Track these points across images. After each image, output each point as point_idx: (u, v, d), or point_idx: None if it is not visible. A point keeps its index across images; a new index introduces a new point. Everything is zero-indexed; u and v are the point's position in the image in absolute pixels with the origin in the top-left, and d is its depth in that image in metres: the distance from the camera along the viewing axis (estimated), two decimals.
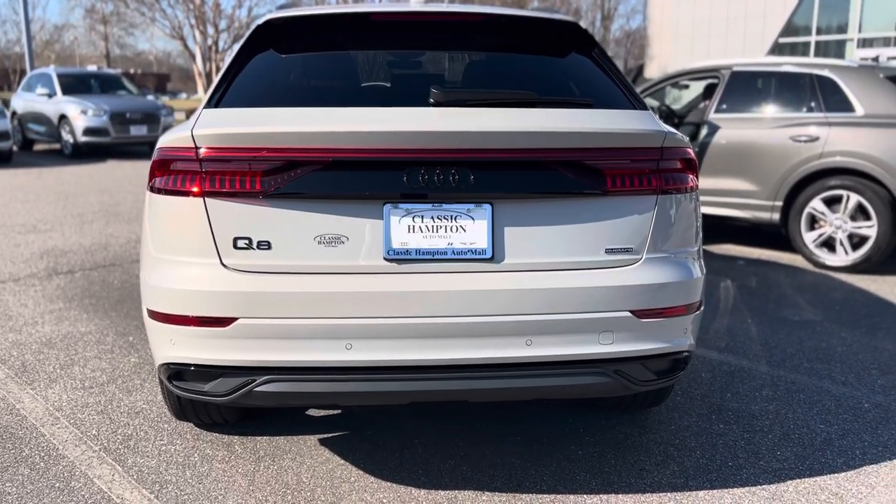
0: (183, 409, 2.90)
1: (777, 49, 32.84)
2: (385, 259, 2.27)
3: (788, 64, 6.52)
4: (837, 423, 3.20)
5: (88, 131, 14.35)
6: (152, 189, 2.41)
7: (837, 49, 32.31)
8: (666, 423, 3.18)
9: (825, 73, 6.15)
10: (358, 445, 2.96)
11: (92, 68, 20.12)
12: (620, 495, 2.62)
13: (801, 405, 3.39)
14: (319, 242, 2.26)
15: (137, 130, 14.79)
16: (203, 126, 2.30)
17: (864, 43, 31.99)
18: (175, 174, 2.32)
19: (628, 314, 2.34)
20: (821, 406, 3.38)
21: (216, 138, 2.27)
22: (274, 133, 2.24)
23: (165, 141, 2.39)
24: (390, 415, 3.21)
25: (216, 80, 2.63)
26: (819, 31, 32.71)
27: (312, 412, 3.25)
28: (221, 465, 2.81)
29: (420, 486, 2.66)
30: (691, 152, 2.52)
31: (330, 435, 3.05)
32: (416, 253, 2.28)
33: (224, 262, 2.28)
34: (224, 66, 2.71)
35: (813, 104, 6.14)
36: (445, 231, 2.28)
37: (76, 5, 66.51)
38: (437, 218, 2.28)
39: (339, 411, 3.26)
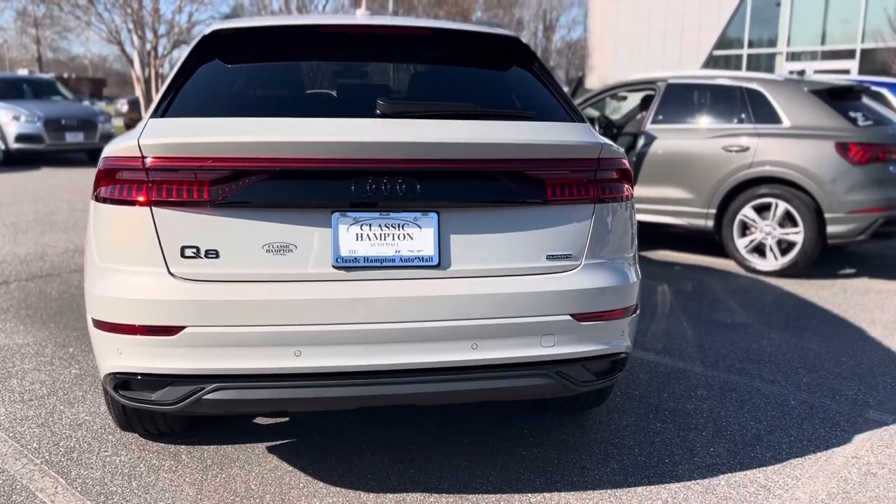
0: (128, 419, 2.88)
1: (712, 61, 33.88)
2: (334, 267, 2.32)
3: (720, 77, 6.79)
4: (766, 420, 3.37)
5: (21, 138, 13.90)
6: (97, 198, 2.40)
7: (768, 62, 33.54)
8: (606, 423, 3.30)
9: (754, 86, 6.43)
10: (306, 452, 2.98)
11: (23, 73, 19.50)
12: (563, 493, 2.72)
13: (733, 403, 3.55)
14: (268, 251, 2.30)
15: (73, 137, 14.41)
16: (149, 136, 2.31)
17: (793, 56, 33.29)
18: (121, 183, 2.32)
19: (569, 318, 2.44)
20: (751, 404, 3.55)
21: (163, 148, 2.28)
22: (221, 143, 2.27)
23: (111, 150, 2.39)
24: (338, 420, 3.25)
25: (162, 89, 2.64)
26: (751, 45, 33.90)
27: (260, 420, 3.26)
28: (168, 475, 2.80)
29: (369, 490, 2.71)
30: (626, 163, 2.64)
31: (278, 442, 3.07)
32: (365, 261, 2.33)
33: (171, 270, 2.29)
34: (170, 74, 2.72)
35: (743, 116, 6.41)
36: (393, 239, 2.34)
37: (6, 7, 64.21)
38: (385, 226, 2.34)
39: (287, 419, 3.28)
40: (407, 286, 2.33)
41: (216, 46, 2.76)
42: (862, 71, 30.20)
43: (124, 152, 2.32)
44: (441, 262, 2.37)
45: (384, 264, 2.34)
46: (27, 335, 4.35)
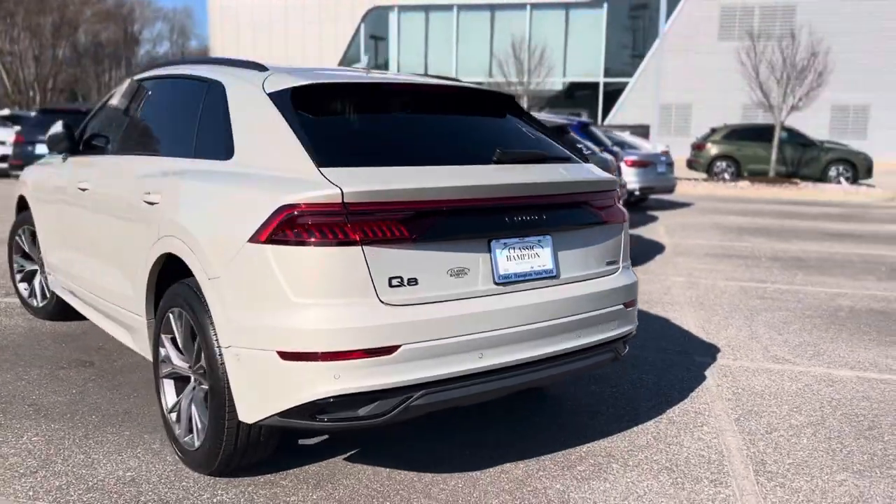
0: (235, 455, 2.95)
1: None
2: (495, 283, 2.90)
3: None
4: (635, 373, 4.60)
5: None
6: (281, 241, 2.60)
7: None
8: (561, 398, 4.22)
9: None
10: (386, 461, 3.28)
11: None
12: (594, 443, 3.55)
13: (619, 367, 4.74)
14: (451, 275, 2.78)
15: None
16: (350, 184, 2.61)
17: None
18: (323, 227, 2.58)
19: (622, 306, 3.36)
20: (631, 364, 4.78)
21: (367, 195, 2.62)
22: (414, 189, 2.71)
23: (296, 198, 2.60)
24: (380, 430, 3.61)
25: (290, 138, 2.82)
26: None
27: (305, 441, 3.47)
28: (292, 498, 2.96)
29: (464, 471, 3.22)
30: (620, 191, 3.66)
31: (347, 454, 3.34)
32: (515, 277, 2.96)
33: (382, 298, 2.63)
34: (284, 126, 2.87)
35: None
36: (528, 258, 3.00)
37: None
38: (522, 248, 2.99)
39: (327, 437, 3.54)
40: (541, 293, 3.02)
41: (312, 99, 3.01)
42: None
43: (322, 199, 2.58)
44: (557, 273, 3.10)
45: (525, 278, 2.99)
46: None
